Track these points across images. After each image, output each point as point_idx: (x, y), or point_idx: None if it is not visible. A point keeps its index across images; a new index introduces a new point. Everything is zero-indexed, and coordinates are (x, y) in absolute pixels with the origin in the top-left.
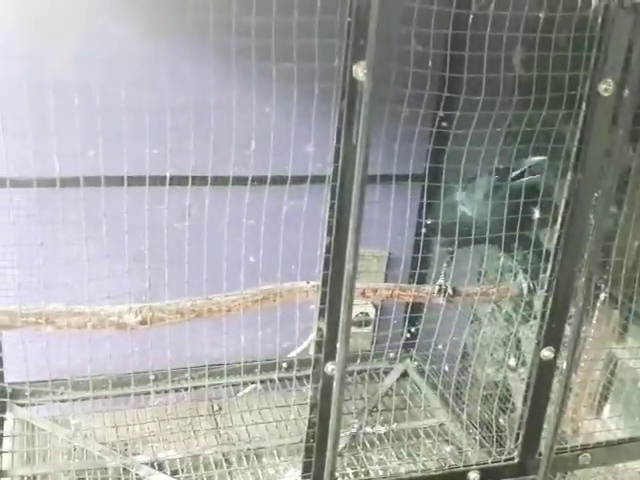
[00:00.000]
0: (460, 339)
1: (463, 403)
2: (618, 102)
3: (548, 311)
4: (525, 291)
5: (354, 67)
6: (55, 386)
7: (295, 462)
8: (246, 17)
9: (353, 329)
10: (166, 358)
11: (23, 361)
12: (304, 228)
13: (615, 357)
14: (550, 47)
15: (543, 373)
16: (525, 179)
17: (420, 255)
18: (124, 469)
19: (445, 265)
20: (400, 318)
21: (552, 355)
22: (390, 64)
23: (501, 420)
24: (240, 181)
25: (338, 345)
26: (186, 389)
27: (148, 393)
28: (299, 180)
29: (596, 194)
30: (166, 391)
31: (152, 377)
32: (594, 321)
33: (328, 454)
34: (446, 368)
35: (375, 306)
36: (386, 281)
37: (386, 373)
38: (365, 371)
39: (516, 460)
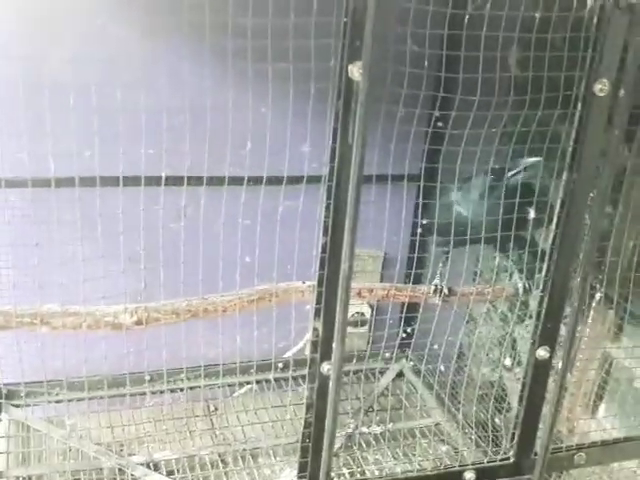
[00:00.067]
0: (456, 339)
1: (459, 403)
2: (613, 102)
3: (543, 311)
4: (520, 291)
5: (350, 67)
6: (50, 387)
7: (291, 462)
8: (242, 18)
9: (349, 329)
10: (162, 358)
11: (18, 362)
12: (300, 228)
13: (610, 357)
14: (546, 47)
15: (538, 373)
16: (520, 175)
17: (416, 255)
18: (120, 470)
19: (441, 265)
20: (396, 318)
21: (547, 355)
22: (386, 64)
23: (497, 420)
24: (236, 181)
25: (334, 345)
26: (182, 389)
27: (144, 393)
28: (295, 180)
29: (591, 194)
30: (162, 391)
31: (148, 377)
32: (589, 321)
33: (324, 454)
34: (442, 368)
35: (371, 306)
36: (382, 281)
37: (382, 373)
38: (361, 371)
39: (512, 460)
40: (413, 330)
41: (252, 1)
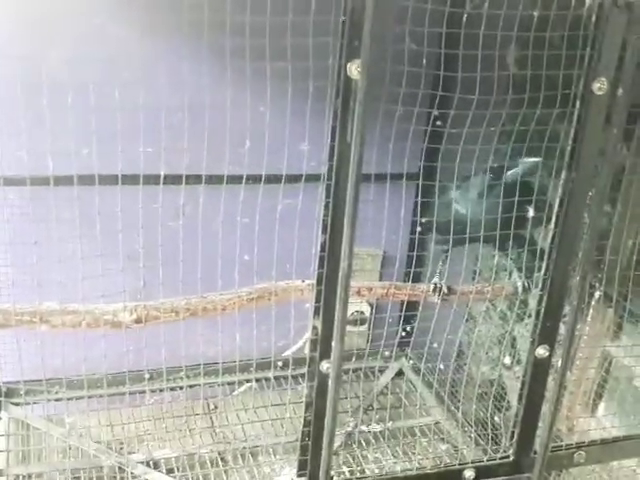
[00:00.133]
0: (455, 337)
1: (458, 401)
2: (612, 101)
3: (543, 309)
4: (520, 289)
5: (348, 66)
6: (50, 385)
7: (291, 460)
8: (241, 16)
9: (348, 327)
10: (161, 357)
11: (17, 360)
12: (299, 227)
13: (610, 355)
14: (544, 46)
15: (538, 371)
16: (520, 171)
17: (415, 254)
18: (119, 468)
19: (440, 264)
20: (395, 316)
21: (547, 353)
22: (384, 63)
23: (496, 418)
24: (235, 180)
25: (333, 343)
26: (181, 388)
27: (143, 392)
28: (294, 179)
29: (590, 193)
30: (161, 390)
31: (147, 376)
32: (589, 319)
33: (324, 452)
34: (441, 366)
35: (370, 304)
36: (381, 280)
37: (381, 371)
38: (360, 369)
39: (511, 458)
40: (412, 329)
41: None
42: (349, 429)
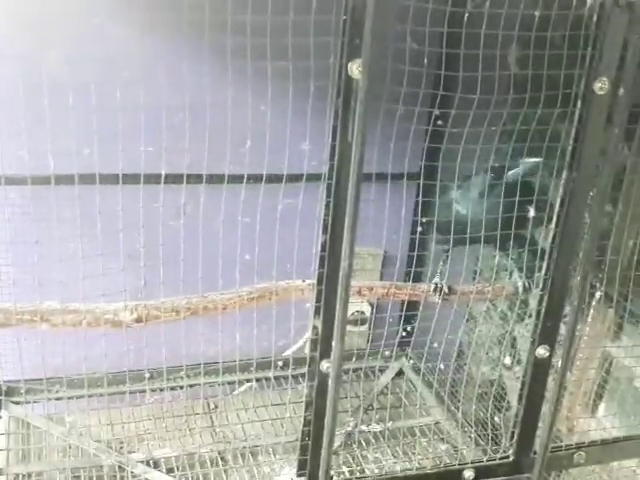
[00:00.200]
0: (455, 337)
1: (458, 401)
2: (613, 101)
3: (543, 309)
4: (520, 289)
5: (349, 65)
6: (50, 384)
7: (291, 460)
8: (242, 16)
9: (349, 327)
10: (161, 356)
11: (18, 359)
12: (299, 226)
13: (610, 356)
14: (545, 45)
15: (538, 371)
16: (520, 171)
17: (416, 253)
18: (119, 467)
19: (441, 263)
20: (396, 316)
21: (547, 353)
22: (385, 62)
23: (496, 418)
24: (235, 179)
25: (333, 343)
26: (181, 387)
27: (143, 391)
28: (294, 178)
29: (591, 193)
30: (161, 389)
31: (147, 375)
32: (589, 320)
33: (323, 452)
34: (441, 366)
35: (371, 304)
36: (382, 279)
37: (382, 371)
38: (361, 369)
39: (511, 458)
40: (413, 328)
41: None
42: (349, 429)
